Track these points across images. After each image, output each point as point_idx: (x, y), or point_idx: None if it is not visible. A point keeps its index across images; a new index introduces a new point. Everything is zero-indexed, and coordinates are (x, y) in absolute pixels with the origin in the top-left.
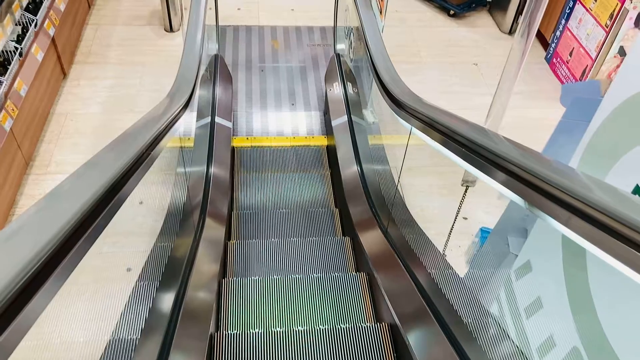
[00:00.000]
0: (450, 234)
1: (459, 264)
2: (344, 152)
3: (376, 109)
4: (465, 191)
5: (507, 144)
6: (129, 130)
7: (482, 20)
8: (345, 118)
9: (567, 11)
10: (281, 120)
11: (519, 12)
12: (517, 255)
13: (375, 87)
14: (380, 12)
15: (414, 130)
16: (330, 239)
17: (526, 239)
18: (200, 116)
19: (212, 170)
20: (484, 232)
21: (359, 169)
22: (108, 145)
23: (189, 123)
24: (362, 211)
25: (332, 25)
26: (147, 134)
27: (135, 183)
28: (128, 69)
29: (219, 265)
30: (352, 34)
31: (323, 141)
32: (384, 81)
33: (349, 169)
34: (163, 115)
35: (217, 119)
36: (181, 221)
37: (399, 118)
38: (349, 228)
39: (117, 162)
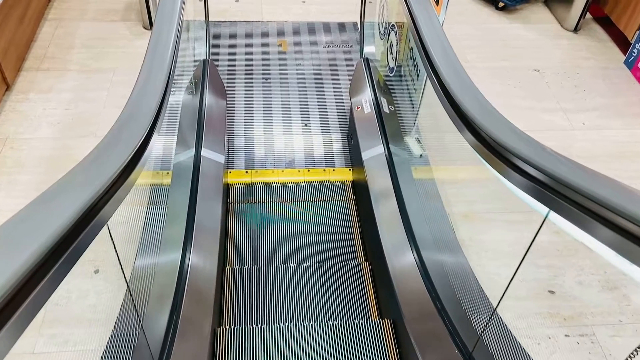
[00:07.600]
0: None
1: None
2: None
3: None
4: None
5: None
6: None
7: (537, 15)
8: (380, 149)
9: None
10: (291, 147)
11: (588, 4)
12: None
13: (426, 103)
14: (437, 3)
15: (555, 217)
16: None
17: None
18: (180, 145)
19: (190, 260)
20: None
21: (415, 253)
22: None
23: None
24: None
25: (357, 21)
26: None
27: None
28: (94, 77)
29: None
30: (392, 32)
31: (347, 175)
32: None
33: (397, 256)
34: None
35: (204, 152)
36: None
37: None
38: None
39: None
